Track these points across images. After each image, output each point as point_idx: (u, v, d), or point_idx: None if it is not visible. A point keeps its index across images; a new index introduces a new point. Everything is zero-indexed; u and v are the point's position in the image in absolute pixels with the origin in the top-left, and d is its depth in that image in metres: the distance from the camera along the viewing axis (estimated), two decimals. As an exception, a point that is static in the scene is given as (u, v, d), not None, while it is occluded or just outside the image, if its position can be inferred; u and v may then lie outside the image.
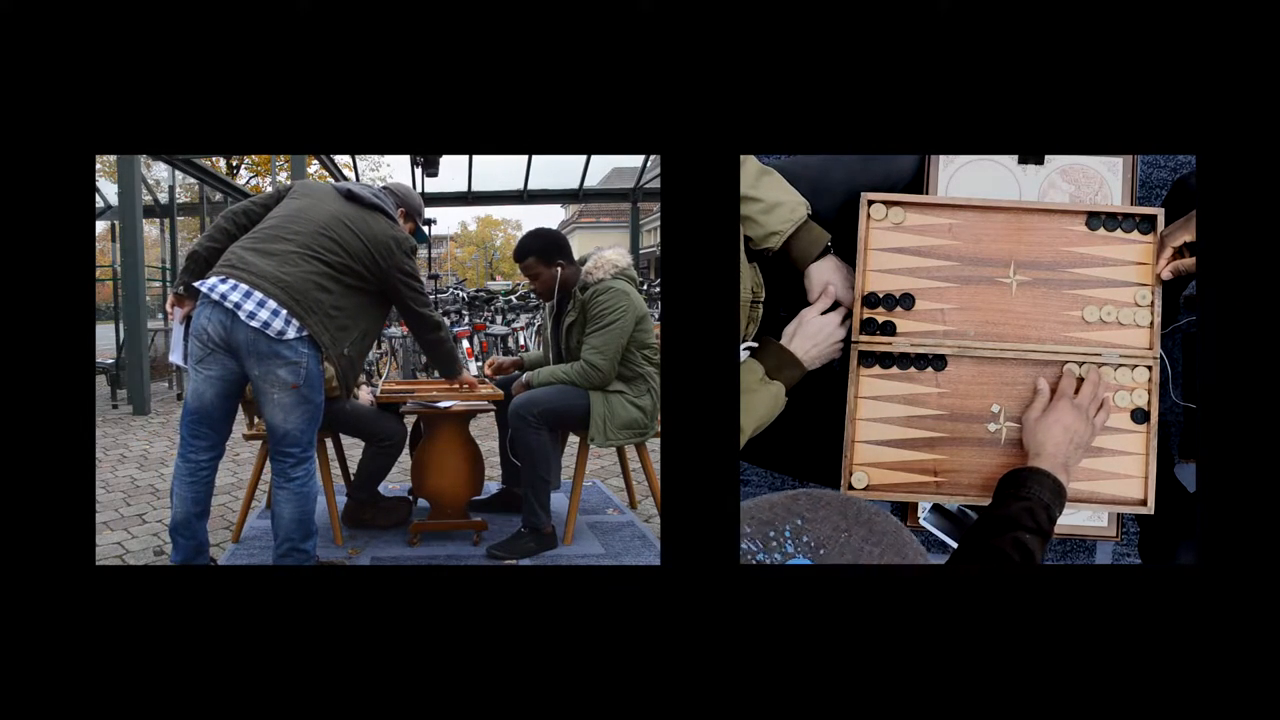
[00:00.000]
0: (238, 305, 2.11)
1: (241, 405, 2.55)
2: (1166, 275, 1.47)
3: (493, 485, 3.37)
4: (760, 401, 1.53)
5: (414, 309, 2.49)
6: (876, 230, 1.55)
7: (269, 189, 14.98)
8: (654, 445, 2.93)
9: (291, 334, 2.13)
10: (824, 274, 1.57)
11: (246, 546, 2.89)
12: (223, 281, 2.16)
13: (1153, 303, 1.50)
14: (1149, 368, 1.50)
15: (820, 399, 1.62)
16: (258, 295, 2.12)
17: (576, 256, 2.98)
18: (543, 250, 2.89)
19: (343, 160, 9.93)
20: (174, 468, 2.35)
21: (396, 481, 3.61)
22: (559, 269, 2.88)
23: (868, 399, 1.54)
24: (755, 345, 1.57)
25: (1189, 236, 1.44)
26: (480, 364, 6.78)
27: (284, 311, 2.12)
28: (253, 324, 2.11)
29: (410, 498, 3.18)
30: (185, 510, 2.30)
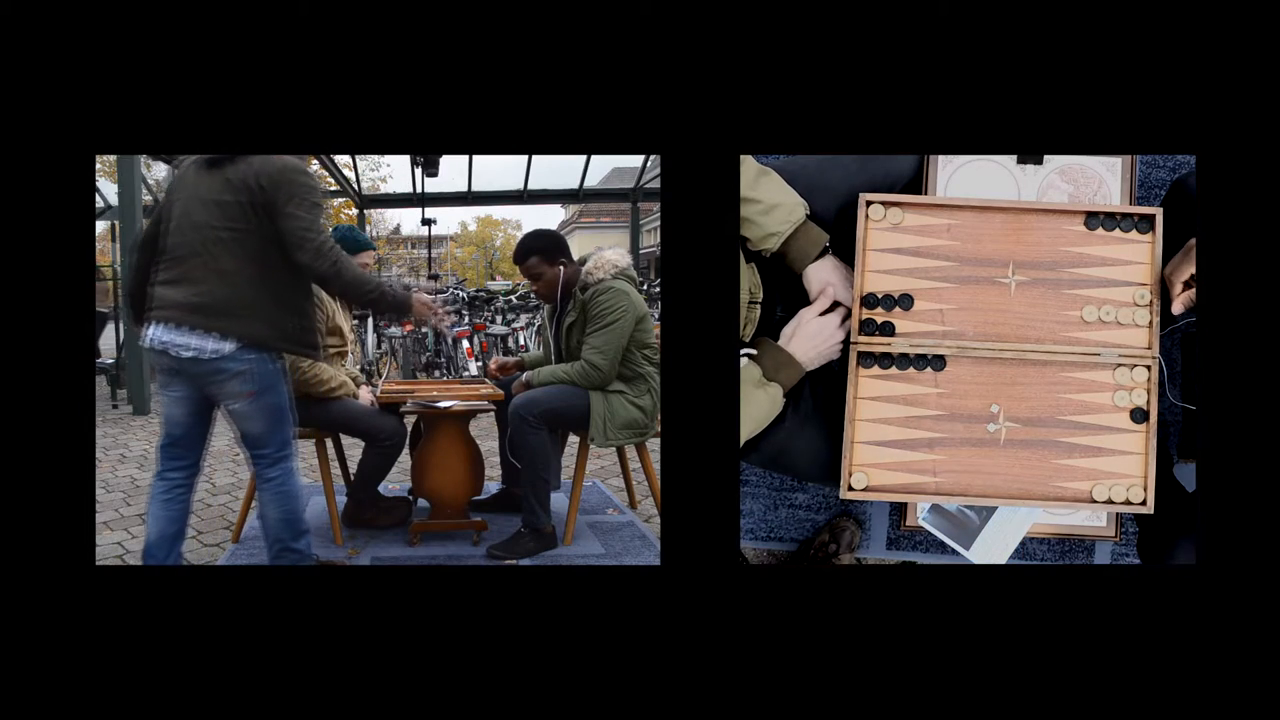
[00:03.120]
0: (168, 344, 2.13)
1: None
2: (1179, 309, 1.47)
3: (493, 485, 3.37)
4: (758, 403, 1.53)
5: (297, 240, 2.13)
6: (875, 230, 1.55)
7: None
8: (654, 445, 2.93)
9: (228, 348, 2.12)
10: (823, 275, 1.57)
11: (246, 546, 2.89)
12: (151, 326, 2.17)
13: (1151, 302, 1.51)
14: (1148, 367, 1.50)
15: (820, 399, 1.62)
16: (183, 328, 2.12)
17: (576, 257, 2.98)
18: (546, 250, 2.89)
19: (343, 160, 9.93)
20: (150, 488, 2.34)
21: (396, 481, 3.61)
22: (561, 269, 2.88)
23: (867, 399, 1.54)
24: (753, 352, 1.57)
25: (1193, 268, 1.44)
26: (480, 364, 6.78)
27: (213, 333, 2.11)
28: (187, 355, 2.12)
29: (410, 498, 3.18)
30: (159, 530, 2.28)
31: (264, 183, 2.11)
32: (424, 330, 7.22)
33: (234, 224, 2.12)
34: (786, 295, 1.65)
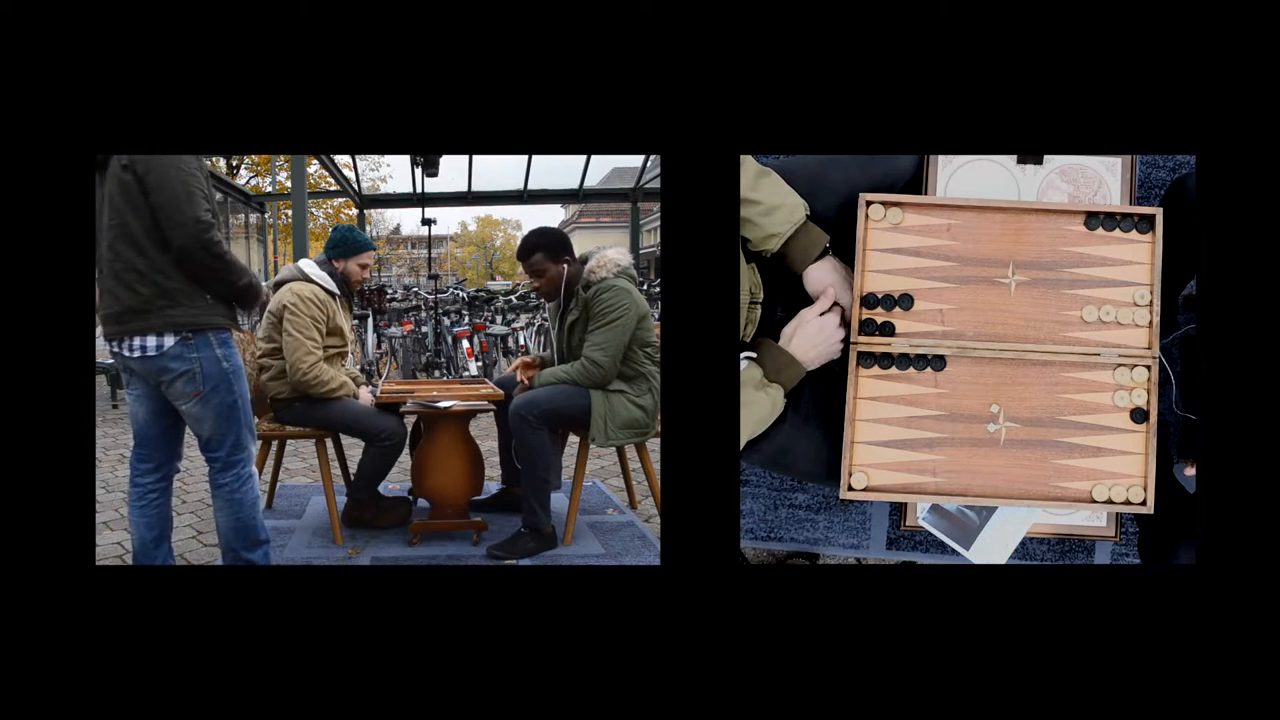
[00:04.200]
0: (118, 347, 2.14)
1: None
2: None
3: (493, 485, 3.37)
4: (759, 405, 1.53)
5: (172, 211, 2.03)
6: (875, 231, 1.55)
7: (268, 189, 14.99)
8: (654, 445, 2.93)
9: (168, 342, 2.10)
10: (823, 275, 1.57)
11: (246, 546, 2.89)
12: (105, 342, 2.18)
13: (1151, 302, 1.51)
14: (1148, 367, 1.50)
15: (820, 400, 1.62)
16: (126, 339, 2.13)
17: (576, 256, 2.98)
18: (550, 247, 2.89)
19: (343, 160, 9.94)
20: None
21: (396, 481, 3.61)
22: (565, 266, 2.88)
23: (867, 400, 1.54)
24: (753, 355, 1.57)
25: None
26: (479, 364, 6.78)
27: (150, 334, 2.10)
28: (135, 355, 2.12)
29: (410, 498, 3.18)
30: (140, 536, 2.27)
31: (139, 166, 2.04)
32: (424, 330, 7.22)
33: (117, 217, 2.07)
34: (787, 295, 1.65)
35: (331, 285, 2.96)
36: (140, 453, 2.27)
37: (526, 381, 2.92)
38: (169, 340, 2.10)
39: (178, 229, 2.04)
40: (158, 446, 2.27)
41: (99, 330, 2.13)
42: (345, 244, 3.03)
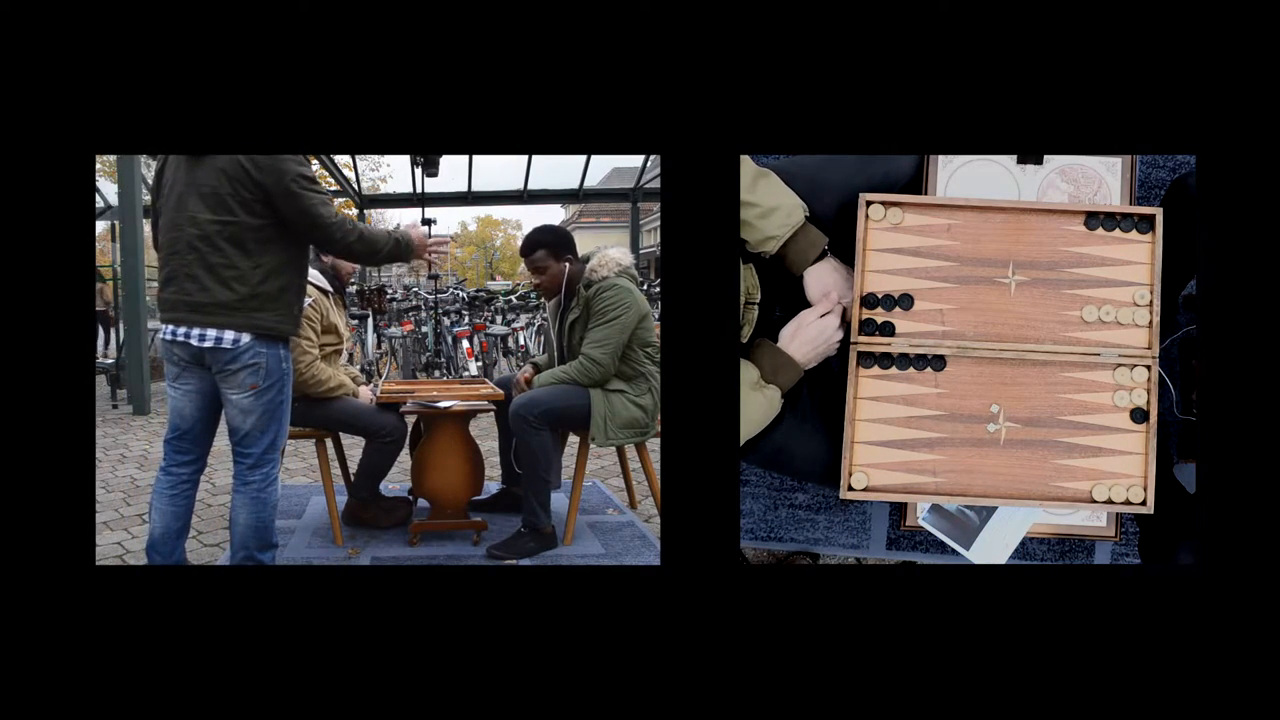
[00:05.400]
0: (188, 334, 2.16)
1: None
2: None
3: (493, 485, 3.37)
4: (756, 405, 1.53)
5: (316, 219, 2.16)
6: (875, 231, 1.55)
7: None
8: (654, 445, 2.93)
9: (245, 339, 2.14)
10: (822, 276, 1.57)
11: (246, 546, 2.89)
12: (168, 328, 2.20)
13: (1151, 302, 1.51)
14: (1148, 367, 1.50)
15: (819, 400, 1.62)
16: (194, 328, 2.15)
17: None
18: (552, 245, 2.90)
19: (343, 160, 9.93)
20: (154, 483, 2.34)
21: (396, 481, 3.61)
22: (567, 264, 2.89)
23: (867, 400, 1.54)
24: (744, 362, 1.57)
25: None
26: (479, 364, 6.78)
27: (230, 329, 2.13)
28: (206, 345, 2.13)
29: (410, 498, 3.18)
30: (164, 525, 2.28)
31: (256, 169, 2.10)
32: (424, 330, 7.22)
33: (223, 216, 2.11)
34: (784, 296, 1.65)
35: (324, 282, 2.96)
36: (178, 444, 2.30)
37: (525, 384, 2.93)
38: (246, 336, 2.14)
39: (320, 232, 2.20)
40: (199, 440, 2.31)
41: (155, 316, 2.16)
42: None
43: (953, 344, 1.52)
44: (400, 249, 2.39)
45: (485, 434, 4.01)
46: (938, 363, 1.53)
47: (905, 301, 1.53)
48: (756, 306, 1.64)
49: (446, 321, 7.36)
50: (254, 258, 2.14)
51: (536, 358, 3.28)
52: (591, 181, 10.70)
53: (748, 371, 1.54)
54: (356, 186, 10.50)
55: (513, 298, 8.45)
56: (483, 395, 2.95)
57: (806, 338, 1.55)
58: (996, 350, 1.52)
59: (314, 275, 2.96)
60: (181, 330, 2.15)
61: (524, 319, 7.60)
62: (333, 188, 9.91)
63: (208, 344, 2.14)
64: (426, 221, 8.01)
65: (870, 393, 1.54)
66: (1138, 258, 1.52)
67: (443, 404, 2.82)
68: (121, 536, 3.08)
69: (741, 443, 1.54)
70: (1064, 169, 1.62)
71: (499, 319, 7.68)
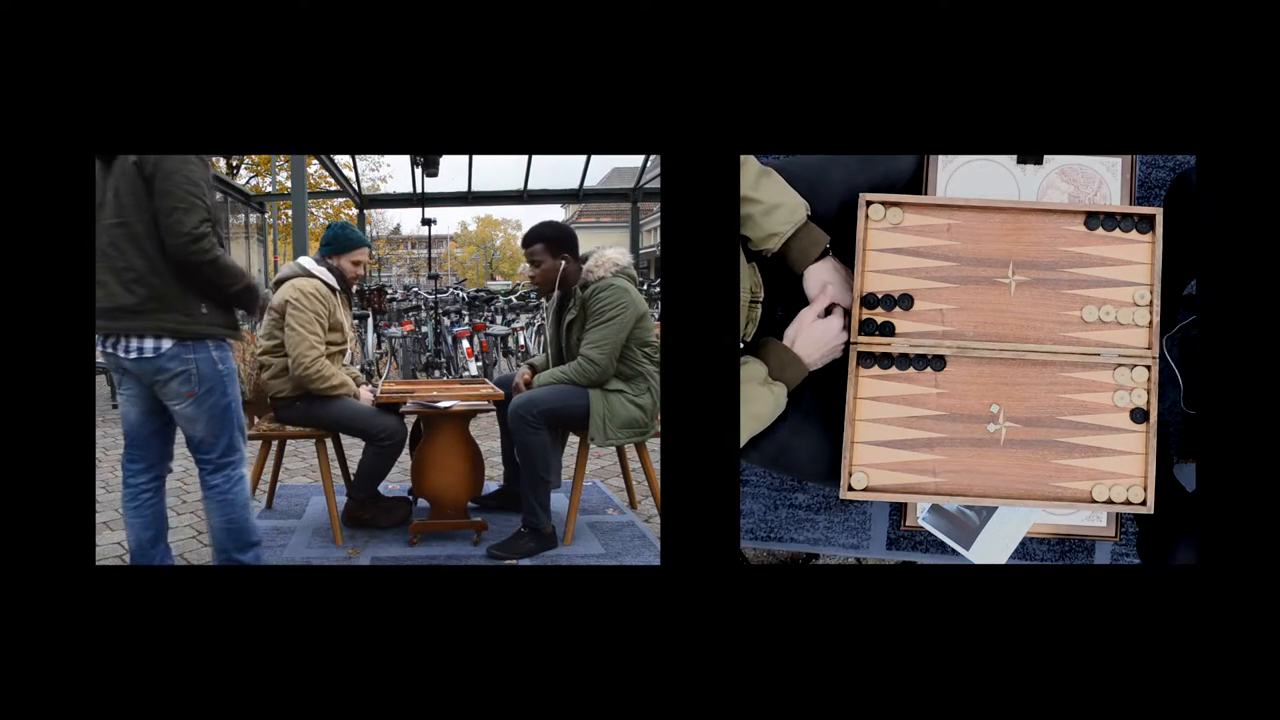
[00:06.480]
0: (114, 345, 2.12)
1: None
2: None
3: (493, 485, 3.37)
4: (763, 400, 1.53)
5: (170, 218, 2.02)
6: (875, 231, 1.55)
7: (269, 189, 14.98)
8: (654, 445, 2.93)
9: (166, 345, 2.10)
10: (823, 276, 1.57)
11: (246, 546, 2.89)
12: (99, 338, 2.15)
13: (1151, 302, 1.51)
14: (1148, 367, 1.50)
15: (820, 399, 1.62)
16: (124, 340, 2.10)
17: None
18: (551, 240, 2.90)
19: (343, 160, 9.94)
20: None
21: (396, 481, 3.61)
22: (563, 262, 2.89)
23: (867, 399, 1.54)
24: (751, 359, 1.57)
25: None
26: (479, 364, 6.78)
27: (147, 335, 2.09)
28: (130, 356, 2.11)
29: (410, 498, 3.18)
30: (135, 537, 2.27)
31: (147, 165, 2.04)
32: (424, 330, 7.22)
33: (123, 217, 2.07)
34: (787, 295, 1.65)
35: (333, 281, 2.98)
36: (131, 453, 2.27)
37: (523, 385, 2.93)
38: (166, 343, 2.10)
39: (173, 236, 2.05)
40: (149, 447, 2.27)
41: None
42: (339, 241, 3.03)
43: (953, 344, 1.52)
44: (246, 297, 2.23)
45: (485, 434, 4.01)
46: (938, 363, 1.53)
47: (905, 301, 1.53)
48: (760, 305, 1.64)
49: (446, 321, 7.36)
50: (150, 259, 2.07)
51: (533, 358, 3.28)
52: (591, 181, 10.71)
53: (755, 368, 1.54)
54: (356, 186, 10.50)
55: (513, 298, 8.45)
56: (483, 395, 2.95)
57: (810, 338, 1.55)
58: (996, 350, 1.52)
59: (323, 273, 2.97)
60: (109, 341, 2.11)
61: (524, 319, 7.59)
62: (333, 188, 9.91)
63: (131, 355, 2.10)
64: (426, 221, 8.01)
65: (870, 393, 1.54)
66: (1138, 258, 1.52)
67: (443, 404, 2.83)
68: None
69: (744, 440, 1.54)
70: (1064, 169, 1.62)
71: (499, 319, 7.68)
